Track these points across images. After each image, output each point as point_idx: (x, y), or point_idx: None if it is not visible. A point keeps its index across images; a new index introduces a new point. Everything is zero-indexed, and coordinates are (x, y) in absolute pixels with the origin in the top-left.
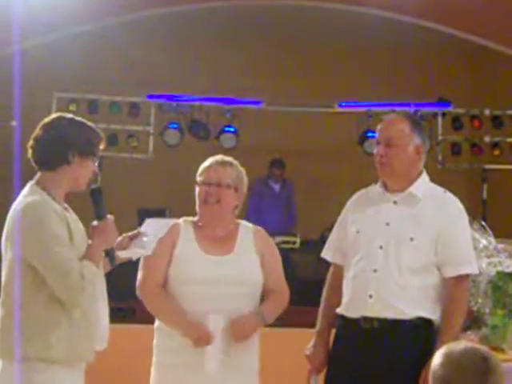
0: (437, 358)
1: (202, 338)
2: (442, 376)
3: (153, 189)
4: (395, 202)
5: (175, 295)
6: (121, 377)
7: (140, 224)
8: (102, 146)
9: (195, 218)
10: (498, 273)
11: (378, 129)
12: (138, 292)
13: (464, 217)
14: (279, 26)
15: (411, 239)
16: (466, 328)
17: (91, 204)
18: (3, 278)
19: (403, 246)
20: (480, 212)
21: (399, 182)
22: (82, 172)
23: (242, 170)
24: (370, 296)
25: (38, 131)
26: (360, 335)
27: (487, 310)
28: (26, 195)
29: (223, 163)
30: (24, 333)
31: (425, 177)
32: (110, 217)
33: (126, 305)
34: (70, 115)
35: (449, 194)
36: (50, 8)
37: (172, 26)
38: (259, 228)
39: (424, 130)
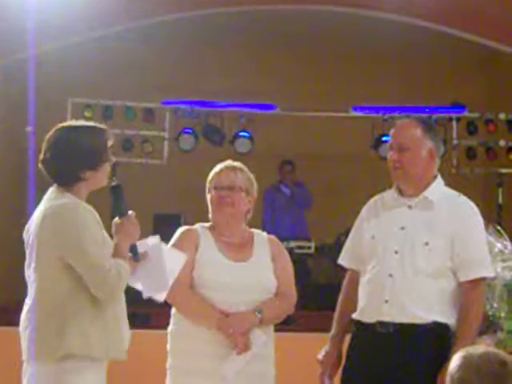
0: (455, 361)
1: (241, 344)
2: (459, 378)
3: (167, 194)
4: (410, 207)
5: (215, 300)
6: (136, 382)
7: (155, 229)
8: (110, 142)
9: (209, 224)
10: None
11: (391, 134)
12: (166, 296)
13: (479, 220)
14: (293, 30)
15: (426, 243)
16: (482, 332)
17: (111, 200)
18: (37, 280)
19: (418, 251)
20: (495, 216)
21: (413, 187)
22: (98, 180)
23: (252, 175)
24: (386, 301)
25: (44, 151)
26: (376, 339)
27: (503, 315)
28: (53, 198)
29: (233, 168)
30: (67, 333)
31: (439, 181)
32: (131, 212)
33: (141, 310)
34: (69, 123)
35: (463, 198)
36: (65, 13)
37: (187, 31)
38: (272, 236)
39: (437, 134)
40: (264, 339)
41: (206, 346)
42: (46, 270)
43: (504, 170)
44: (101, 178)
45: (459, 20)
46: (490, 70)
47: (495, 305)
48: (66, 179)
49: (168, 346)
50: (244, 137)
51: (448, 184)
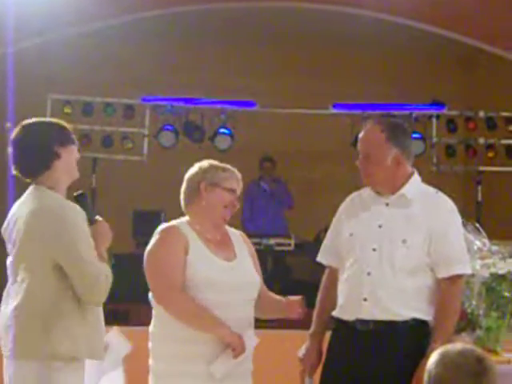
0: (433, 358)
1: (242, 347)
2: (436, 375)
3: (148, 191)
4: (387, 204)
5: (211, 300)
6: None
7: (135, 226)
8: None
9: (184, 219)
10: (492, 274)
11: (359, 138)
12: (158, 300)
13: (456, 217)
14: (273, 27)
15: (404, 241)
16: (460, 330)
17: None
18: (27, 279)
19: (396, 248)
20: (474, 214)
21: (387, 189)
22: (71, 160)
23: None
24: (365, 299)
25: (12, 149)
26: (355, 337)
27: (481, 312)
28: (39, 197)
29: (236, 173)
30: (54, 332)
31: (416, 178)
32: (98, 218)
33: (120, 307)
34: (29, 120)
35: (440, 194)
36: (45, 9)
37: (166, 28)
38: (241, 232)
39: (405, 136)
40: (257, 341)
41: (192, 348)
42: (37, 269)
43: (483, 168)
44: (73, 157)
45: (439, 18)
46: (470, 67)
47: (474, 302)
48: (46, 158)
49: (150, 347)
50: (224, 133)
51: (427, 181)
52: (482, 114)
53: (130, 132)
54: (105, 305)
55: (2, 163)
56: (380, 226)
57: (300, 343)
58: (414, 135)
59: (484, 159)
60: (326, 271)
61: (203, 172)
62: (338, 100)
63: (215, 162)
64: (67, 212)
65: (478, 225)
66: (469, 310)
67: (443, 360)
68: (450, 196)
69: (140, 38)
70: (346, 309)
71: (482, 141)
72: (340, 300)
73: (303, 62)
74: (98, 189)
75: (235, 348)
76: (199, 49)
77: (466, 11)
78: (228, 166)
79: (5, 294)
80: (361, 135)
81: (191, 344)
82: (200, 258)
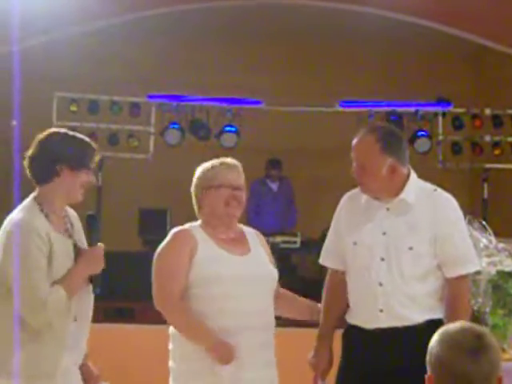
0: (434, 337)
1: (227, 357)
2: (436, 353)
3: (153, 189)
4: (388, 209)
5: (198, 297)
6: (119, 376)
7: (141, 224)
8: (96, 158)
9: (197, 223)
10: (499, 272)
11: (352, 146)
12: (156, 305)
13: (458, 214)
14: (279, 25)
15: (410, 248)
16: None
17: (85, 229)
18: None
19: (404, 257)
20: (480, 211)
21: (384, 195)
22: (73, 184)
23: None
24: (381, 310)
25: (31, 149)
26: (372, 339)
27: (487, 310)
28: (19, 210)
29: (236, 166)
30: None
31: (413, 178)
32: (100, 245)
33: (126, 305)
34: (64, 130)
35: (439, 192)
36: (50, 7)
37: (172, 25)
38: (257, 231)
39: (399, 142)
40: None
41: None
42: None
43: (489, 165)
44: (76, 182)
45: (445, 15)
46: (476, 65)
47: (480, 300)
48: (45, 172)
49: (171, 348)
50: (230, 131)
51: (433, 179)
52: (488, 111)
53: (135, 130)
54: (110, 303)
55: (8, 160)
56: (384, 234)
57: (305, 341)
58: (420, 133)
59: (490, 157)
60: (329, 272)
61: (197, 179)
62: (345, 98)
63: (208, 163)
64: (26, 230)
65: (484, 222)
66: (475, 308)
67: (442, 339)
68: (455, 194)
69: (145, 36)
70: (364, 318)
71: (488, 138)
72: (354, 308)
73: (309, 59)
74: (104, 187)
75: (219, 360)
76: (205, 46)
77: (472, 8)
78: (216, 162)
79: None
80: (354, 143)
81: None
82: (209, 256)
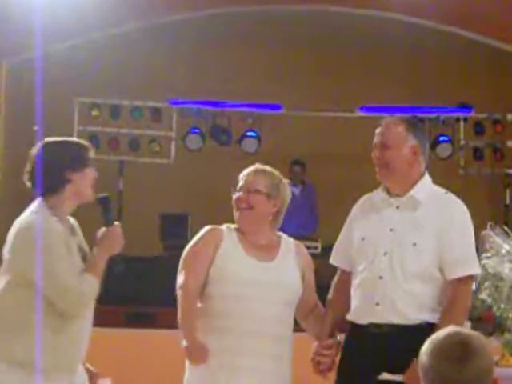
0: (424, 344)
1: (197, 358)
2: (424, 362)
3: (174, 194)
4: (398, 207)
5: (215, 295)
6: (139, 381)
7: (162, 229)
8: (91, 153)
9: (236, 225)
10: None
11: (376, 133)
12: (177, 289)
13: (464, 217)
14: (300, 30)
15: (414, 244)
16: (489, 334)
17: (100, 212)
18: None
19: (407, 252)
20: (502, 217)
21: (399, 185)
22: (83, 184)
23: (281, 179)
24: (377, 303)
25: (28, 165)
26: (369, 340)
27: (510, 316)
28: (32, 213)
29: (255, 171)
30: (15, 340)
31: (427, 179)
32: (117, 224)
33: (147, 310)
34: (51, 139)
35: (450, 195)
36: (73, 13)
37: (193, 31)
38: (299, 242)
39: (423, 132)
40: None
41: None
42: (12, 279)
43: (511, 171)
44: (86, 181)
45: (467, 21)
46: (498, 70)
47: (502, 306)
48: (57, 184)
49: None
50: (251, 136)
51: (455, 185)
52: (509, 116)
53: (157, 135)
54: (132, 308)
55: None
56: (391, 230)
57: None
58: (442, 138)
59: None
60: (338, 272)
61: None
62: (365, 103)
63: (252, 167)
64: (46, 230)
65: (506, 228)
66: (497, 314)
67: (429, 346)
68: (477, 199)
69: (167, 42)
70: (360, 313)
71: (509, 144)
72: (353, 304)
73: (329, 65)
74: (125, 192)
75: (189, 360)
76: (226, 52)
77: (493, 13)
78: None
79: None
80: (379, 129)
81: (227, 335)
82: (230, 255)
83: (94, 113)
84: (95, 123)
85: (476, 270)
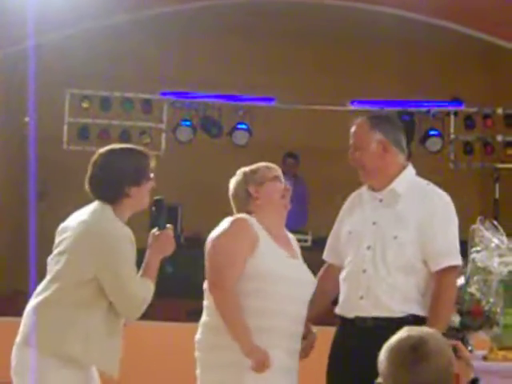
0: (380, 352)
1: (263, 364)
2: (383, 371)
3: (165, 185)
4: (381, 201)
5: (249, 292)
6: (138, 372)
7: (152, 219)
8: (152, 164)
9: (252, 216)
10: (510, 272)
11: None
12: (210, 287)
13: (447, 209)
14: (293, 23)
15: (395, 237)
16: (478, 327)
17: (153, 213)
18: (62, 280)
19: (388, 245)
20: (492, 211)
21: (378, 181)
22: (141, 197)
23: None
24: (361, 297)
25: (92, 169)
26: (356, 334)
27: (499, 310)
28: (97, 212)
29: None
30: (69, 334)
31: (409, 171)
32: (169, 226)
33: None
34: (118, 147)
35: (432, 187)
36: (64, 4)
37: (185, 22)
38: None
39: (390, 124)
40: None
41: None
42: (73, 276)
43: (501, 165)
44: (143, 194)
45: (458, 15)
46: (489, 64)
47: (491, 300)
48: (114, 196)
49: (199, 338)
50: (242, 129)
51: (445, 179)
52: (500, 111)
53: (147, 127)
54: None
55: (21, 157)
56: (374, 224)
57: (320, 338)
58: (432, 132)
59: (502, 156)
60: (325, 265)
61: (246, 176)
62: (357, 97)
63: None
64: (117, 235)
65: (495, 222)
66: (486, 308)
67: (385, 352)
68: (467, 193)
69: (158, 33)
70: (346, 307)
71: (500, 138)
72: (340, 297)
73: (322, 58)
74: None
75: (256, 366)
76: (218, 44)
77: (486, 8)
78: (259, 166)
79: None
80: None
81: (261, 334)
82: (269, 251)
83: (85, 104)
84: (86, 115)
85: (457, 261)
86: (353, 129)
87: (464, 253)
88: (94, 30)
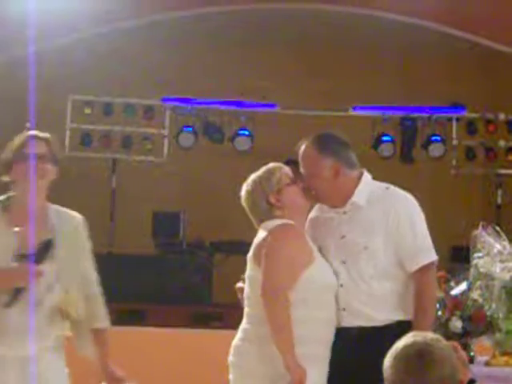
0: (386, 359)
1: (300, 381)
2: (388, 377)
3: (167, 191)
4: (345, 213)
5: (297, 302)
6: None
7: (154, 227)
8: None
9: (290, 221)
10: None
11: None
12: (263, 292)
13: (409, 208)
14: (294, 29)
15: (365, 248)
16: (480, 333)
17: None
18: None
19: (360, 257)
20: (494, 217)
21: (337, 200)
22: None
23: None
24: (344, 309)
25: None
26: (343, 344)
27: (501, 315)
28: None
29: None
30: None
31: (365, 179)
32: (40, 267)
33: (138, 308)
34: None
35: (392, 190)
36: (66, 10)
37: (187, 29)
38: None
39: (337, 144)
40: None
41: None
42: None
43: (503, 171)
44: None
45: (460, 20)
46: (491, 70)
47: (493, 305)
48: None
49: (237, 344)
50: (244, 135)
51: (447, 184)
52: (502, 116)
53: (149, 133)
54: (123, 305)
55: None
56: (343, 237)
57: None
58: (434, 138)
59: (504, 162)
60: None
61: (261, 186)
62: (358, 102)
63: (258, 173)
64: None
65: (497, 228)
66: (488, 313)
67: (390, 359)
68: (469, 199)
69: (161, 40)
70: (332, 318)
71: (502, 143)
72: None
73: (323, 64)
74: (118, 189)
75: (294, 382)
76: (220, 50)
77: (486, 14)
78: (266, 171)
79: None
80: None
81: (304, 344)
82: (321, 259)
83: (87, 110)
84: (88, 121)
85: (432, 257)
86: (301, 156)
87: (466, 258)
88: (96, 37)
